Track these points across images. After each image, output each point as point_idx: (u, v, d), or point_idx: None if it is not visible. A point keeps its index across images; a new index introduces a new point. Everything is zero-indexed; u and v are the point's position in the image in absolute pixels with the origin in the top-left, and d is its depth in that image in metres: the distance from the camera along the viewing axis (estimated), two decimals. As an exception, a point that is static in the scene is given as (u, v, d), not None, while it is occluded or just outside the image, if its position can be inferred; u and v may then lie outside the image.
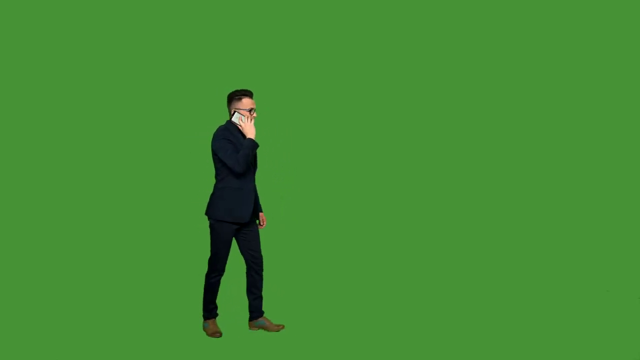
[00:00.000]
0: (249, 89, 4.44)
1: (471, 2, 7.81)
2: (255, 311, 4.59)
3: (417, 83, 7.84)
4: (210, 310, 4.49)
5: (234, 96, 4.36)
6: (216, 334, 4.40)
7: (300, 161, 7.71)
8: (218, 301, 4.68)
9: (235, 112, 4.31)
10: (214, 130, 4.36)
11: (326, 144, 7.82)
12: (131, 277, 6.03)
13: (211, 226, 4.38)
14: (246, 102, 4.34)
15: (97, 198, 7.38)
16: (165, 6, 7.65)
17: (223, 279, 5.93)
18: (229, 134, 4.28)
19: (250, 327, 4.60)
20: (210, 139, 4.33)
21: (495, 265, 6.43)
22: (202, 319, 4.61)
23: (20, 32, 7.41)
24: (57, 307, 5.07)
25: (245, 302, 4.95)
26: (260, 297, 4.59)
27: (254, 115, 4.35)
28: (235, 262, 6.51)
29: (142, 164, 7.51)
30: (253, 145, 4.26)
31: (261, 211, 4.65)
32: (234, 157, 4.21)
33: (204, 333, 4.48)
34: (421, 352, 4.13)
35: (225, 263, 4.42)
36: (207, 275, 4.43)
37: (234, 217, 4.32)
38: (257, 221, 4.60)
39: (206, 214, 4.41)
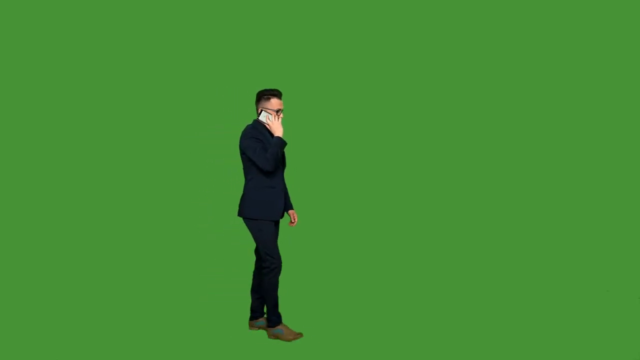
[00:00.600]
0: (277, 88, 4.39)
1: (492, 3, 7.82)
2: (257, 311, 4.57)
3: (445, 80, 7.81)
4: (278, 313, 4.37)
5: (263, 95, 4.32)
6: (299, 334, 4.34)
7: (316, 161, 7.69)
8: (217, 299, 4.66)
9: (262, 111, 4.29)
10: (241, 129, 4.33)
11: (342, 144, 7.79)
12: (148, 278, 6.03)
13: (250, 227, 4.29)
14: (274, 103, 4.29)
15: (120, 200, 7.42)
16: (193, 7, 7.67)
17: (224, 276, 5.96)
18: (257, 133, 4.24)
19: (250, 326, 4.59)
20: (236, 139, 4.28)
21: (496, 265, 6.43)
22: (191, 318, 4.58)
23: (34, 33, 7.42)
24: (75, 308, 5.08)
25: (246, 301, 4.95)
26: (264, 298, 4.57)
27: (281, 115, 4.30)
28: (240, 260, 6.52)
29: (170, 165, 7.55)
30: (281, 143, 4.22)
31: (292, 208, 4.56)
32: (263, 155, 4.17)
33: (195, 333, 4.47)
34: (424, 355, 4.13)
35: (279, 257, 4.30)
36: (268, 274, 4.27)
37: (267, 215, 4.27)
38: (289, 219, 4.55)
39: (241, 214, 4.32)
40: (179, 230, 7.27)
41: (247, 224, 4.32)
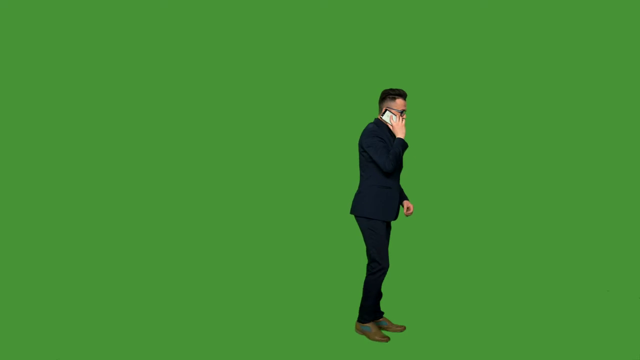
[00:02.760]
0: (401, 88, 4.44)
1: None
2: (377, 312, 4.54)
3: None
4: (373, 312, 4.38)
5: (389, 95, 4.29)
6: (385, 338, 4.33)
7: (429, 163, 7.62)
8: (253, 301, 4.58)
9: (386, 110, 4.27)
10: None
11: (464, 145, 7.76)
12: (155, 278, 6.04)
13: (365, 225, 4.27)
14: (399, 103, 4.26)
15: (123, 200, 7.42)
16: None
17: (229, 277, 5.97)
18: (380, 132, 4.23)
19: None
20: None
21: (495, 265, 6.44)
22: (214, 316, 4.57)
23: (51, 36, 7.42)
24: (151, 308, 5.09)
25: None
26: (380, 295, 4.53)
27: (404, 117, 4.28)
28: (242, 260, 6.52)
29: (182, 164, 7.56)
30: (404, 144, 4.21)
31: (406, 199, 4.52)
32: (386, 155, 4.16)
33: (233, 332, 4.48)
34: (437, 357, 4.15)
35: (387, 260, 4.31)
36: (373, 274, 4.29)
37: (381, 215, 4.25)
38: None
39: (354, 212, 4.31)
40: (185, 229, 7.27)
41: (359, 222, 4.30)
